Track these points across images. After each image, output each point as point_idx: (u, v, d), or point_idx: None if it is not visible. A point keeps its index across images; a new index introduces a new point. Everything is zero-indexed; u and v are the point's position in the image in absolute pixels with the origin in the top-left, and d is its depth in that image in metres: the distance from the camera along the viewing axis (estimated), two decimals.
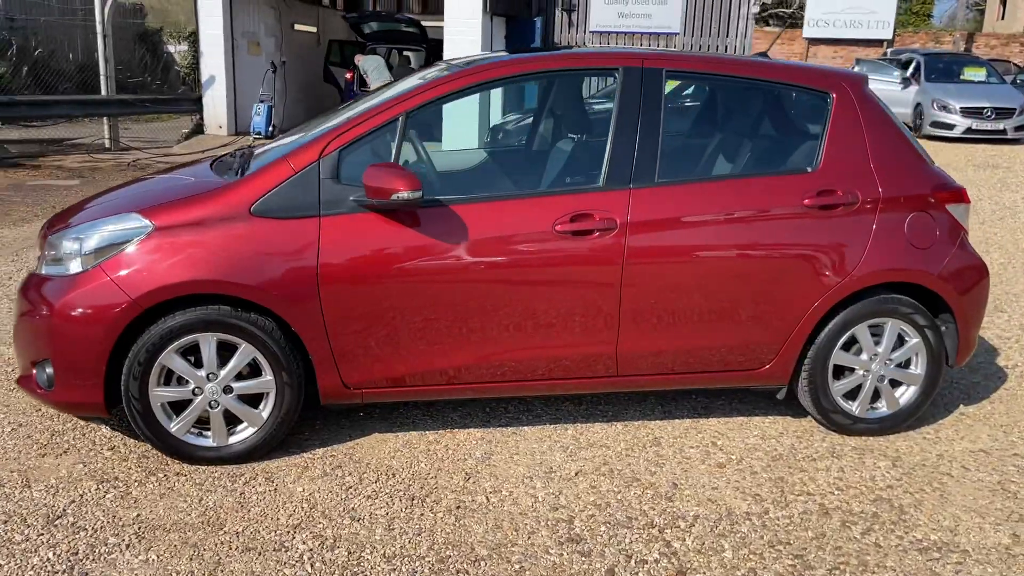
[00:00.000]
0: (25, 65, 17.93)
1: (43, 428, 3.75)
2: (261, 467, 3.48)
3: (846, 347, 3.86)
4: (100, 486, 3.30)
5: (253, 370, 3.45)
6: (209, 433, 3.46)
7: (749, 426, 4.03)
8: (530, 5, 14.43)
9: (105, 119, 13.73)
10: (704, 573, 2.90)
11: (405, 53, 16.70)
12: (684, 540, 3.08)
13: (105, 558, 2.85)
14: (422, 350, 3.51)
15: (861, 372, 3.88)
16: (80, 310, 3.25)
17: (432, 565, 2.88)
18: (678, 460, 3.67)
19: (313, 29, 17.85)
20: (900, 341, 3.88)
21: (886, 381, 3.91)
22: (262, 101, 14.26)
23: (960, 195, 3.90)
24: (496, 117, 11.18)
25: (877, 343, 3.85)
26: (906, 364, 3.93)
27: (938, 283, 3.80)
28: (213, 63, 14.45)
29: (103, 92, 13.74)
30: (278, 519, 3.11)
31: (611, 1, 14.33)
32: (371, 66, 14.17)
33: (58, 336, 3.28)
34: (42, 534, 2.97)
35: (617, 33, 14.48)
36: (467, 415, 4.03)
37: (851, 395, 3.92)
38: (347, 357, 3.46)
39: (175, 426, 3.40)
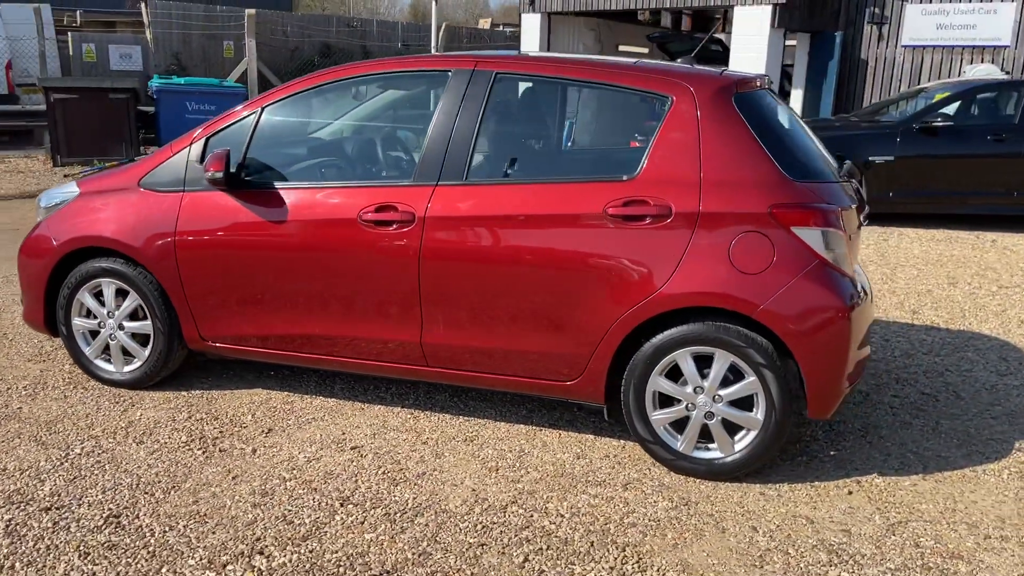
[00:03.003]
0: None
1: (55, 343, 4.93)
2: (142, 394, 4.26)
3: (676, 375, 3.52)
4: (28, 386, 4.33)
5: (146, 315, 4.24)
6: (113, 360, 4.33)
7: (586, 443, 3.84)
8: (837, 18, 13.44)
9: None
10: (323, 542, 3.01)
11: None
12: (351, 515, 3.20)
13: None
14: (255, 316, 4.00)
15: (685, 405, 3.51)
16: (30, 250, 4.31)
17: (142, 484, 3.39)
18: (461, 457, 3.69)
19: (644, 51, 18.37)
20: (737, 377, 3.43)
21: (716, 420, 3.48)
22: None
23: (810, 217, 3.30)
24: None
25: (706, 375, 3.46)
26: (746, 404, 3.46)
27: (766, 315, 3.30)
28: None
29: None
30: (92, 431, 3.85)
31: (929, 11, 12.73)
32: None
33: (21, 268, 4.39)
34: None
35: (934, 47, 12.81)
36: (349, 388, 4.40)
37: (681, 428, 3.56)
38: (200, 313, 4.08)
39: (88, 350, 4.32)
